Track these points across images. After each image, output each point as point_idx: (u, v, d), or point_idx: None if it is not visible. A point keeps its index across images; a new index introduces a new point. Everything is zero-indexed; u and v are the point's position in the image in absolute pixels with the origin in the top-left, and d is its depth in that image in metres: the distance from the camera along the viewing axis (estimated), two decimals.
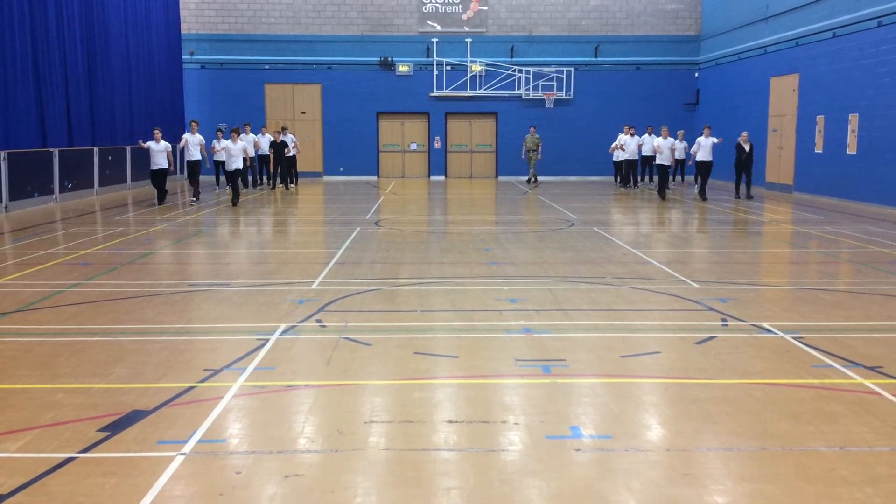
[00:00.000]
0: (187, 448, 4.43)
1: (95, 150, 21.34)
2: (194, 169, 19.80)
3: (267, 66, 29.76)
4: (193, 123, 20.09)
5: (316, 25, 29.73)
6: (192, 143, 19.56)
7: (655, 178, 26.18)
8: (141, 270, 10.24)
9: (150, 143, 18.95)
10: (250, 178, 24.76)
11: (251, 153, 22.81)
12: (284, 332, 7.03)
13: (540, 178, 28.20)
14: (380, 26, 29.92)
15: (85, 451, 4.38)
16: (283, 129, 24.85)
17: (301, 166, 26.98)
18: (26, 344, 6.63)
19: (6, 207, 16.85)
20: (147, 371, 5.90)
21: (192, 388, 5.50)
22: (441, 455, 4.44)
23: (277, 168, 24.45)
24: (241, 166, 19.43)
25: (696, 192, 21.33)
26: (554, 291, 8.91)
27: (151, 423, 4.82)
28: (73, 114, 20.76)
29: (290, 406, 5.25)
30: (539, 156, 26.73)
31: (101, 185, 21.52)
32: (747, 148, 20.48)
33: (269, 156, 24.57)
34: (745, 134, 20.81)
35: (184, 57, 29.05)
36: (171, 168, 19.83)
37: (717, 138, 21.09)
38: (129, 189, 23.31)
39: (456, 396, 5.45)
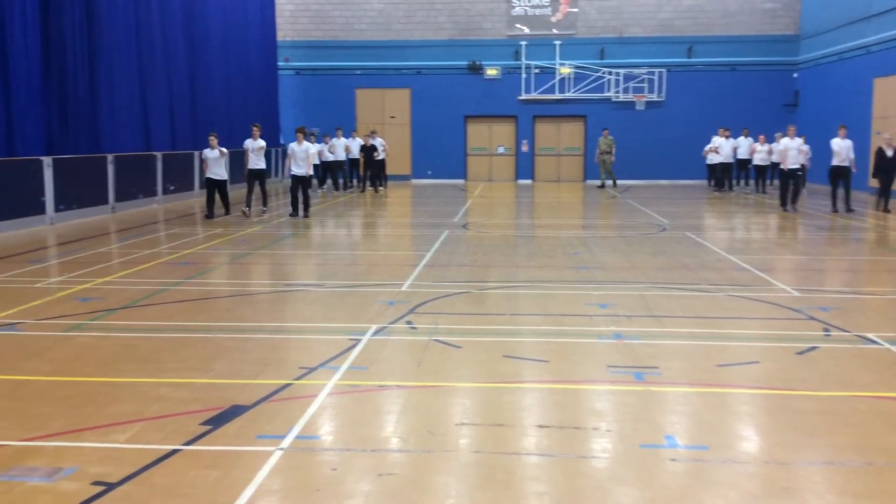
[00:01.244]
0: (285, 443, 4.55)
1: (196, 153, 22.15)
2: (255, 177, 17.45)
3: (358, 72, 30.29)
4: (255, 128, 17.52)
5: (406, 31, 30.09)
6: (254, 149, 17.27)
7: (751, 181, 25.41)
8: (239, 270, 10.57)
9: (205, 151, 16.91)
10: (341, 180, 25.27)
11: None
12: (376, 332, 7.14)
13: (629, 182, 27.75)
14: (468, 30, 30.05)
15: (188, 443, 4.56)
16: (373, 132, 25.25)
17: (390, 169, 27.33)
18: (132, 339, 6.94)
19: (113, 208, 17.67)
20: (245, 367, 6.09)
21: (288, 385, 5.65)
22: (531, 459, 4.43)
23: (367, 171, 24.86)
24: (303, 172, 16.86)
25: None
26: (645, 297, 8.76)
27: (251, 418, 4.98)
28: (176, 119, 21.62)
29: (383, 406, 5.33)
30: (612, 158, 26.37)
31: (201, 187, 22.31)
32: (890, 153, 17.67)
33: (359, 159, 25.02)
34: (887, 135, 18.31)
35: (279, 63, 29.86)
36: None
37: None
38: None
39: (546, 401, 5.43)
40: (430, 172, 30.58)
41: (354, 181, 26.04)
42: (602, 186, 26.84)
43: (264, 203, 17.74)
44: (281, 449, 4.47)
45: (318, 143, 24.95)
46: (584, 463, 4.40)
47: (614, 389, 5.65)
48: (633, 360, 6.33)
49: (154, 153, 19.83)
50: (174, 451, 4.44)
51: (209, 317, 7.82)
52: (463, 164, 30.87)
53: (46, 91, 15.98)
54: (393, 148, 28.90)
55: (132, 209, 18.33)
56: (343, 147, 24.74)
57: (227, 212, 17.13)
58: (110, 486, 3.98)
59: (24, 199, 14.89)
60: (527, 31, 29.88)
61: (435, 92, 30.16)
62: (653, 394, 5.55)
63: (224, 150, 16.70)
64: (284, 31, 30.19)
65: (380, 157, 24.88)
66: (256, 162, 17.30)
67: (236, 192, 19.25)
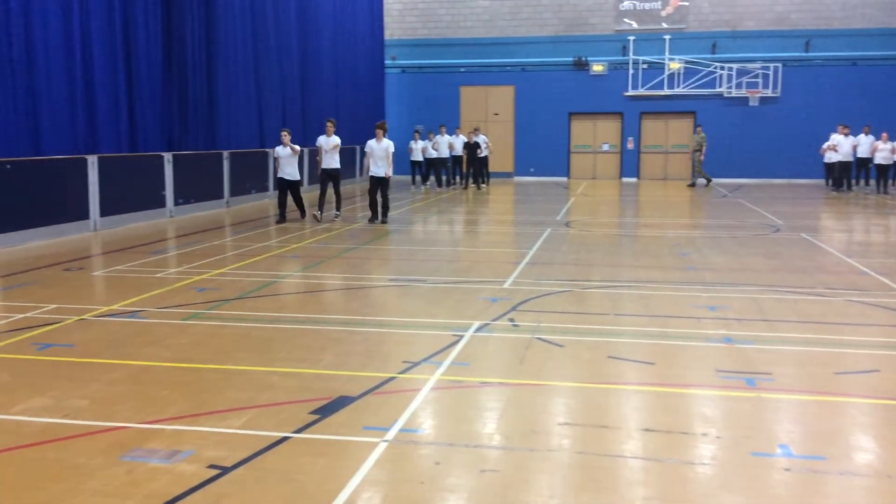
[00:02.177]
0: (390, 435, 4.63)
1: (306, 150, 22.77)
2: (328, 178, 15.85)
3: (462, 69, 30.44)
4: (329, 124, 15.81)
5: (511, 28, 30.03)
6: (327, 147, 15.65)
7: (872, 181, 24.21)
8: (345, 264, 10.81)
9: (277, 149, 15.62)
10: (444, 177, 25.47)
11: (418, 156, 22.74)
12: (478, 329, 7.17)
13: (741, 181, 26.84)
14: (575, 26, 29.72)
15: (298, 431, 4.70)
16: (476, 130, 25.31)
17: (493, 167, 27.36)
18: (246, 329, 7.21)
19: (227, 203, 18.39)
20: (352, 360, 6.23)
21: (392, 378, 5.75)
22: (637, 463, 4.35)
23: (470, 168, 24.96)
24: (382, 173, 15.26)
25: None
26: (758, 300, 8.45)
27: (357, 409, 5.09)
28: (288, 116, 22.30)
29: (486, 402, 5.35)
30: (701, 156, 25.58)
31: (309, 183, 22.93)
32: None
33: (462, 156, 25.14)
34: None
35: (386, 62, 30.35)
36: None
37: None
38: (359, 183, 24.63)
39: (652, 404, 5.32)
40: (532, 170, 30.44)
41: (457, 178, 26.19)
42: (692, 185, 26.09)
43: (337, 206, 16.10)
44: (386, 441, 4.55)
45: (423, 140, 25.26)
46: (691, 469, 4.29)
47: (724, 395, 5.48)
48: (744, 365, 6.12)
49: (266, 150, 20.51)
50: (285, 438, 4.58)
51: (318, 309, 8.04)
52: (566, 161, 30.57)
53: (167, 91, 16.77)
54: (496, 145, 28.93)
55: (245, 204, 19.01)
56: (446, 144, 24.92)
57: (302, 214, 15.91)
58: (225, 470, 4.15)
59: (147, 193, 15.68)
60: (635, 25, 29.30)
61: (539, 89, 29.98)
62: (765, 401, 5.36)
63: (297, 147, 15.51)
64: (391, 30, 30.66)
65: (483, 155, 24.93)
66: (330, 161, 15.70)
67: (311, 194, 18.27)
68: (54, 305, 7.95)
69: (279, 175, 15.51)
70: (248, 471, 4.16)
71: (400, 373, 5.88)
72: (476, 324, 7.34)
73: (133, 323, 7.35)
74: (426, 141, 25.12)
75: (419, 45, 30.70)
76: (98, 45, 14.46)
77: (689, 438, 4.70)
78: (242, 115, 19.76)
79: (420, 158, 25.12)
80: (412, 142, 25.42)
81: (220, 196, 18.26)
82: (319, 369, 5.94)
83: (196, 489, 3.92)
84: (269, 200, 20.12)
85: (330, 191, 15.93)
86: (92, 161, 13.94)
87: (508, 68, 30.20)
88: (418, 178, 25.60)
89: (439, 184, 25.30)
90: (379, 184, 15.24)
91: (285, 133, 15.56)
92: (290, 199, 15.69)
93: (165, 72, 16.68)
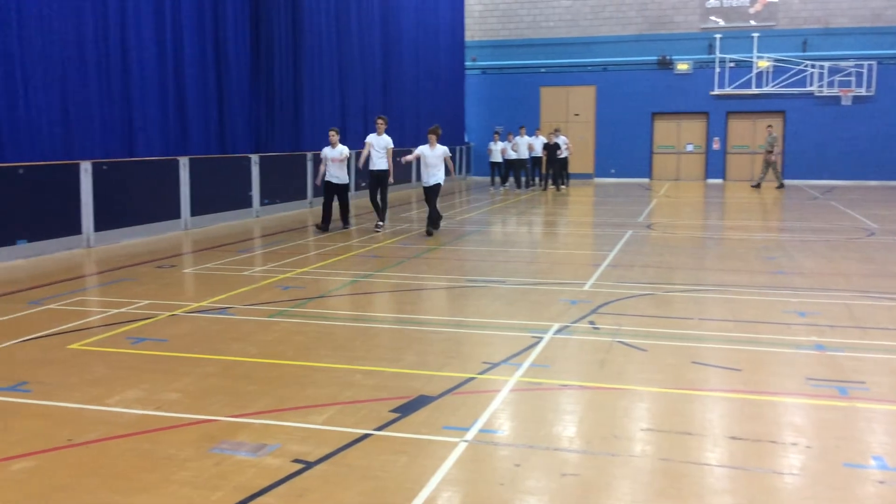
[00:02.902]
0: (469, 436, 4.65)
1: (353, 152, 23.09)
2: (376, 182, 14.38)
3: (543, 70, 30.29)
4: (379, 121, 14.41)
5: (594, 27, 29.72)
6: (377, 146, 14.18)
7: None
8: (424, 265, 10.90)
9: (325, 150, 14.32)
10: (523, 178, 25.38)
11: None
12: (558, 331, 7.12)
13: (833, 183, 25.88)
14: (659, 24, 29.21)
15: (379, 429, 4.76)
16: (556, 130, 25.14)
17: (572, 168, 27.13)
18: (328, 327, 7.34)
19: (311, 203, 18.77)
20: (431, 359, 6.28)
21: (471, 378, 5.76)
22: (722, 471, 4.25)
23: (549, 169, 24.81)
24: (434, 181, 13.95)
25: None
26: (850, 307, 8.13)
27: (437, 408, 5.12)
28: (370, 118, 22.61)
29: (566, 405, 5.31)
30: (772, 157, 24.74)
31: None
32: None
33: (541, 157, 25.01)
34: None
35: (466, 63, 30.44)
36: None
37: None
38: (414, 188, 24.87)
39: (739, 411, 5.18)
40: (613, 171, 30.05)
41: (536, 179, 26.07)
42: (756, 186, 25.30)
43: (381, 215, 14.44)
44: (465, 441, 4.57)
45: (502, 141, 25.23)
46: (780, 479, 4.16)
47: (815, 404, 5.29)
48: (836, 374, 5.90)
49: (350, 151, 20.84)
50: (366, 435, 4.65)
51: (398, 308, 8.12)
52: (648, 162, 30.07)
53: (255, 94, 17.24)
54: (576, 146, 28.67)
55: None
56: (526, 145, 24.84)
57: (346, 223, 14.56)
58: (309, 465, 4.24)
59: (235, 193, 16.15)
60: (722, 23, 28.59)
61: (621, 88, 29.58)
62: (859, 410, 5.15)
63: (346, 148, 14.27)
64: (472, 32, 30.74)
65: (563, 156, 24.75)
66: (378, 162, 14.19)
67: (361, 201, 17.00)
68: (147, 301, 8.26)
69: (326, 178, 14.23)
70: (330, 466, 4.24)
71: (479, 373, 5.89)
72: (555, 326, 7.29)
73: (222, 319, 7.58)
74: (505, 142, 25.09)
75: (500, 45, 30.69)
76: (189, 51, 14.97)
77: (777, 447, 4.56)
78: (326, 117, 20.14)
79: (499, 160, 25.11)
80: (491, 143, 25.43)
81: (303, 196, 18.65)
82: (400, 368, 6.01)
83: (281, 482, 4.02)
84: (350, 201, 20.38)
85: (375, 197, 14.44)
86: (183, 162, 14.44)
87: (590, 68, 29.89)
88: (497, 179, 25.59)
89: (518, 185, 25.23)
90: (433, 193, 13.97)
91: (334, 132, 14.36)
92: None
93: (253, 76, 17.14)
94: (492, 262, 11.36)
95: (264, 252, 11.92)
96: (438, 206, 14.25)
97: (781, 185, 25.30)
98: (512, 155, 24.83)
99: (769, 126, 25.84)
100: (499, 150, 24.99)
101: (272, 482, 4.01)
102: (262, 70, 17.42)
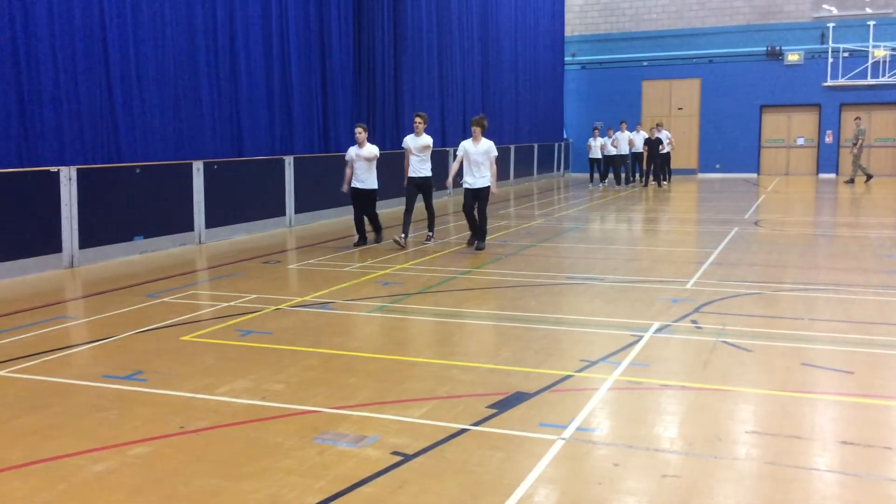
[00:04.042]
0: (567, 433, 4.62)
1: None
2: (416, 189, 12.38)
3: (645, 63, 29.69)
4: (418, 119, 12.18)
5: (699, 18, 28.92)
6: (416, 148, 12.18)
7: None
8: (522, 261, 10.87)
9: (351, 150, 12.26)
10: (623, 174, 24.96)
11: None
12: (658, 330, 6.98)
13: None
14: (768, 14, 28.16)
15: (476, 424, 4.79)
16: (658, 125, 24.60)
17: (675, 163, 26.51)
18: (427, 322, 7.43)
19: None
20: (528, 356, 6.26)
21: (569, 376, 5.72)
22: (833, 477, 4.07)
23: (651, 165, 24.30)
24: (481, 184, 11.66)
25: None
26: None
27: (534, 405, 5.11)
28: (469, 116, 22.71)
29: (666, 405, 5.20)
30: (855, 150, 23.31)
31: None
32: None
33: (642, 153, 24.53)
34: None
35: (566, 58, 30.16)
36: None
37: None
38: (512, 185, 24.82)
39: (852, 416, 4.95)
40: (718, 166, 29.18)
41: (637, 175, 25.58)
42: (850, 182, 23.93)
43: (430, 226, 12.60)
44: (563, 439, 4.54)
45: (602, 136, 24.88)
46: (893, 487, 3.96)
47: None
48: None
49: (447, 148, 20.99)
50: (463, 430, 4.69)
51: (496, 305, 8.14)
52: (756, 156, 29.05)
53: (357, 95, 17.59)
54: (679, 141, 27.98)
55: None
56: (626, 140, 24.42)
57: (378, 235, 12.51)
58: (407, 457, 4.31)
59: (337, 191, 16.48)
60: (835, 11, 27.31)
61: (727, 81, 28.68)
62: None
63: (375, 148, 12.20)
64: (572, 26, 30.44)
65: (665, 151, 24.20)
66: (418, 167, 12.16)
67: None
68: (254, 295, 8.56)
69: (352, 184, 12.26)
70: (428, 459, 4.29)
71: (577, 371, 5.84)
72: (656, 324, 7.15)
73: (324, 314, 7.79)
74: (605, 138, 24.73)
75: (600, 40, 30.26)
76: (295, 53, 15.41)
77: (891, 454, 4.34)
78: (427, 115, 20.37)
79: (598, 156, 24.77)
80: (591, 139, 25.11)
81: (402, 193, 18.87)
82: (497, 364, 6.02)
83: (380, 474, 4.10)
84: (447, 199, 20.57)
85: (420, 206, 12.56)
86: (289, 161, 14.89)
87: (695, 60, 29.11)
88: (596, 175, 25.25)
89: (618, 181, 24.84)
90: (475, 197, 11.78)
91: (361, 129, 12.10)
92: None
93: (355, 78, 17.49)
94: (590, 259, 11.23)
95: (364, 249, 12.14)
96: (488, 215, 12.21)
97: (851, 181, 24.04)
98: (612, 151, 24.45)
99: (857, 118, 24.55)
100: (598, 146, 24.65)
101: (372, 473, 4.10)
102: (364, 72, 17.74)
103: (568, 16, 30.18)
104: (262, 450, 4.43)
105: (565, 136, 30.69)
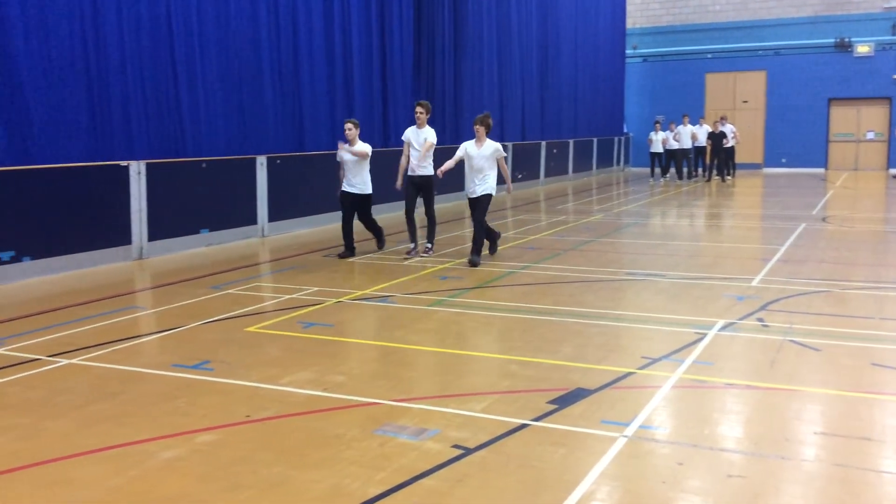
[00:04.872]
0: (629, 431, 4.57)
1: (543, 143, 22.97)
2: (415, 189, 10.81)
3: (709, 55, 29.12)
4: (419, 108, 10.66)
5: (764, 9, 28.22)
6: (416, 143, 10.67)
7: None
8: (581, 257, 10.79)
9: (343, 148, 10.65)
10: (685, 169, 24.56)
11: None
12: (723, 328, 6.85)
13: None
14: (836, 5, 27.33)
15: (536, 419, 4.78)
16: (723, 118, 24.12)
17: (739, 157, 25.95)
18: (486, 317, 7.43)
19: (467, 196, 18.99)
20: (589, 352, 6.22)
21: (631, 373, 5.66)
22: None
23: (714, 159, 23.85)
24: (484, 190, 10.22)
25: None
26: None
27: (595, 402, 5.07)
28: (527, 111, 22.63)
29: (731, 404, 5.11)
30: None
31: (546, 175, 23.11)
32: None
33: (706, 147, 24.09)
34: None
35: (627, 51, 29.77)
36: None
37: None
38: (570, 180, 24.65)
39: None
40: (784, 160, 28.48)
41: (700, 170, 25.14)
42: None
43: (429, 236, 10.89)
44: (625, 436, 4.50)
45: (664, 130, 24.50)
46: None
47: None
48: None
49: (505, 143, 20.93)
50: (524, 425, 4.68)
51: (555, 300, 8.09)
52: (824, 151, 28.26)
53: (417, 92, 17.66)
54: (744, 134, 27.38)
55: None
56: (689, 134, 24.01)
57: (380, 243, 11.19)
58: (468, 451, 4.32)
59: (392, 186, 16.61)
60: None
61: (794, 73, 27.94)
62: None
63: (367, 146, 10.63)
64: (634, 19, 30.03)
65: (729, 145, 23.73)
66: (419, 165, 10.65)
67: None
68: (316, 288, 8.68)
69: (342, 188, 10.80)
70: (489, 453, 4.30)
71: (639, 368, 5.77)
72: (720, 322, 7.02)
73: (384, 307, 7.85)
74: (667, 132, 24.35)
75: (663, 32, 29.78)
76: (357, 52, 15.55)
77: None
78: (486, 109, 20.33)
79: (660, 150, 24.40)
80: (652, 133, 24.76)
81: (461, 189, 18.89)
82: (557, 360, 5.99)
83: (441, 467, 4.12)
84: (503, 194, 20.44)
85: (420, 210, 10.99)
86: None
87: (760, 52, 28.43)
88: (657, 170, 24.88)
89: (680, 176, 24.44)
90: (478, 205, 10.28)
91: (351, 125, 10.59)
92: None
93: (415, 75, 17.58)
94: (652, 255, 11.08)
95: (422, 243, 12.18)
96: (488, 224, 10.55)
97: None
98: (674, 145, 24.07)
99: None
100: (660, 140, 24.29)
101: (433, 466, 4.12)
102: (423, 69, 17.80)
103: (629, 8, 29.77)
104: (324, 440, 4.49)
105: (625, 130, 30.30)
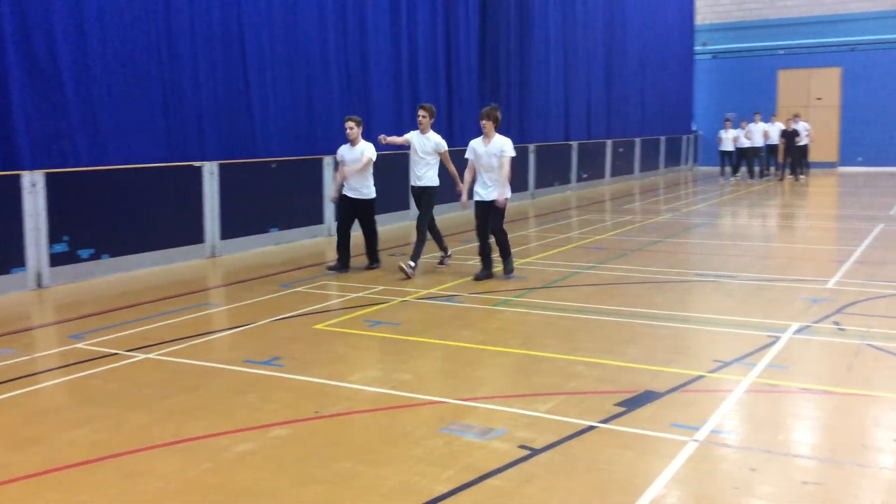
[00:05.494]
0: (700, 435, 4.49)
1: (608, 142, 22.72)
2: (418, 199, 9.90)
3: (781, 51, 28.36)
4: (422, 112, 9.70)
5: (840, 4, 27.33)
6: (421, 150, 9.64)
7: None
8: (649, 257, 10.64)
9: (342, 150, 9.72)
10: (757, 168, 23.98)
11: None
12: (797, 331, 6.67)
13: None
14: None
15: (604, 421, 4.74)
16: (796, 116, 23.47)
17: (813, 156, 25.20)
18: (551, 317, 7.39)
19: (532, 195, 18.93)
20: (658, 354, 6.13)
21: (701, 376, 5.56)
22: None
23: (787, 158, 23.23)
24: (488, 196, 8.98)
25: None
26: None
27: (664, 405, 5.00)
28: (593, 109, 22.41)
29: (806, 410, 4.98)
30: None
31: (612, 175, 22.84)
32: None
33: (778, 145, 23.48)
34: None
35: (695, 48, 29.22)
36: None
37: None
38: (637, 179, 24.31)
39: None
40: (860, 159, 27.52)
41: (772, 168, 24.51)
42: None
43: (441, 247, 10.08)
44: (696, 441, 4.42)
45: (734, 128, 23.95)
46: None
47: None
48: None
49: (570, 142, 20.78)
50: (591, 427, 4.64)
51: (621, 301, 8.00)
52: None
53: (482, 87, 17.68)
54: (818, 132, 26.56)
55: (548, 195, 19.41)
56: (761, 132, 23.42)
57: (373, 259, 9.89)
58: (534, 451, 4.31)
59: (457, 193, 16.67)
60: None
61: (872, 70, 26.97)
62: None
63: (371, 147, 9.63)
64: (703, 15, 29.44)
65: (802, 143, 23.08)
66: (421, 172, 9.66)
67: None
68: (382, 287, 8.77)
69: (343, 192, 9.68)
70: (556, 455, 4.28)
71: (710, 372, 5.67)
72: (795, 325, 6.84)
73: (449, 306, 7.88)
74: (738, 129, 23.80)
75: (733, 28, 29.11)
76: (423, 51, 15.63)
77: None
78: (553, 109, 20.27)
79: (731, 148, 23.87)
80: (722, 131, 24.24)
81: (525, 188, 18.83)
82: (624, 362, 5.92)
83: (508, 466, 4.12)
84: (571, 192, 20.33)
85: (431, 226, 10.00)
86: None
87: (834, 48, 27.54)
88: (727, 169, 24.33)
89: (751, 175, 23.86)
90: (484, 211, 9.15)
91: (352, 123, 9.56)
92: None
93: (480, 75, 17.60)
94: (722, 256, 10.86)
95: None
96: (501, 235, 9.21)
97: None
98: (745, 143, 23.51)
99: None
100: (730, 139, 23.76)
101: (500, 465, 4.13)
102: (488, 69, 17.81)
103: (698, 4, 29.19)
104: (392, 437, 4.54)
105: (694, 127, 29.73)
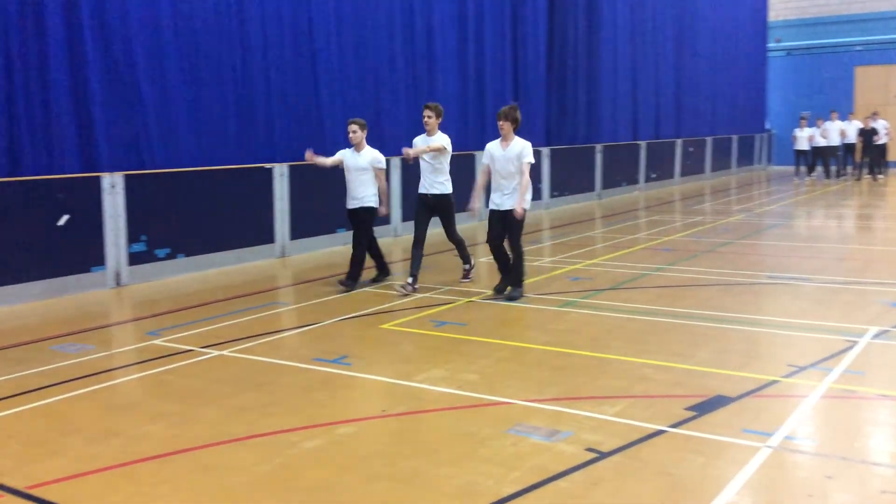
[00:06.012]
0: (773, 441, 4.38)
1: (678, 142, 22.33)
2: (425, 212, 9.02)
3: (859, 48, 27.42)
4: (427, 112, 8.93)
5: None
6: (429, 155, 8.90)
7: None
8: (719, 259, 10.42)
9: (345, 154, 9.06)
10: (833, 167, 23.26)
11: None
12: (876, 335, 6.45)
13: None
14: None
15: (673, 426, 4.66)
16: (874, 114, 22.68)
17: (892, 155, 24.29)
18: (618, 319, 7.31)
19: (599, 196, 18.73)
20: (729, 358, 6.00)
21: (775, 381, 5.43)
22: None
23: (865, 157, 22.46)
24: (507, 205, 8.24)
25: None
26: None
27: (736, 410, 4.89)
28: (662, 109, 22.06)
29: (885, 417, 4.81)
30: None
31: (681, 174, 22.44)
32: None
33: (855, 144, 22.73)
34: None
35: (768, 45, 28.49)
36: (385, 208, 9.15)
37: None
38: (708, 179, 23.83)
39: None
40: None
41: (849, 168, 23.73)
42: None
43: (463, 258, 9.30)
44: (769, 447, 4.32)
45: (810, 127, 23.28)
46: None
47: None
48: None
49: (638, 142, 20.49)
50: (660, 432, 4.58)
51: (691, 304, 7.86)
52: None
53: (549, 91, 17.60)
54: None
55: (616, 196, 19.19)
56: (837, 131, 22.70)
57: (382, 269, 9.26)
58: (602, 455, 4.27)
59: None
60: None
61: None
62: None
63: (377, 154, 8.95)
64: (776, 11, 28.69)
65: (881, 142, 22.28)
66: (430, 180, 8.90)
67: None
68: (447, 287, 8.80)
69: (347, 204, 9.04)
70: (624, 458, 4.24)
71: (783, 376, 5.52)
72: (873, 329, 6.61)
73: (514, 307, 7.87)
74: (814, 128, 23.12)
75: (808, 24, 28.28)
76: (490, 52, 15.64)
77: None
78: (621, 109, 20.03)
79: (806, 147, 23.20)
80: (797, 129, 23.57)
81: (591, 188, 18.66)
82: (694, 365, 5.82)
83: (575, 469, 4.09)
84: (639, 193, 20.05)
85: (433, 232, 9.16)
86: (478, 157, 15.14)
87: None
88: (802, 168, 23.65)
89: (827, 174, 23.15)
90: (501, 221, 8.37)
91: (356, 126, 8.85)
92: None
93: (548, 75, 17.51)
94: (796, 257, 10.56)
95: (553, 243, 12.13)
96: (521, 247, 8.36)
97: None
98: (821, 142, 22.81)
99: None
100: (805, 137, 23.08)
101: (567, 468, 4.10)
102: (555, 70, 17.71)
103: (772, 0, 28.47)
104: (459, 437, 4.56)
105: (768, 126, 28.98)
